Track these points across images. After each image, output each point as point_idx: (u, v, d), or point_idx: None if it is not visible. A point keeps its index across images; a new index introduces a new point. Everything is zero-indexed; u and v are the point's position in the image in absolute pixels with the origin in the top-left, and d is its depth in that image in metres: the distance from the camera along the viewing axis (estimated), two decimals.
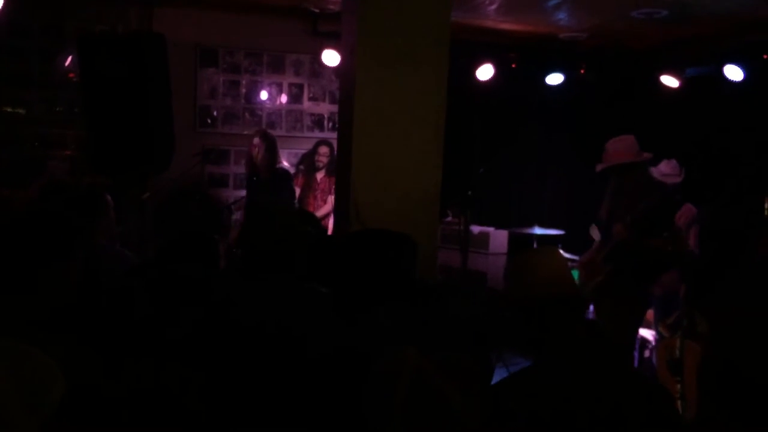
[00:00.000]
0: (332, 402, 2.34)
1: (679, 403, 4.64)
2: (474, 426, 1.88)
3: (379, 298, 2.70)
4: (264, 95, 8.19)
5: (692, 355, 4.78)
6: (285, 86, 8.27)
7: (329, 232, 6.60)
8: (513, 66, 8.43)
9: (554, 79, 8.58)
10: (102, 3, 7.28)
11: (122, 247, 4.42)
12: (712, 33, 7.65)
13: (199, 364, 2.44)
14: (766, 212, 5.53)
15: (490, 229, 8.11)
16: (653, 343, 6.21)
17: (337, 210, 4.90)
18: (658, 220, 5.29)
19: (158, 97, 5.00)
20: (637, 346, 6.21)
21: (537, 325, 2.44)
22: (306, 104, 8.36)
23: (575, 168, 8.37)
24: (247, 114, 8.14)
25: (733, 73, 7.22)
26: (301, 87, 8.32)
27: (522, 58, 8.48)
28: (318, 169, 7.59)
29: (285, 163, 7.34)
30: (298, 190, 7.58)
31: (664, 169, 6.39)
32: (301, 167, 7.88)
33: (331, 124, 8.31)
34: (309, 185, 7.61)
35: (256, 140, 7.12)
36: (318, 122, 8.42)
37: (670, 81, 7.87)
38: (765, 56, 7.03)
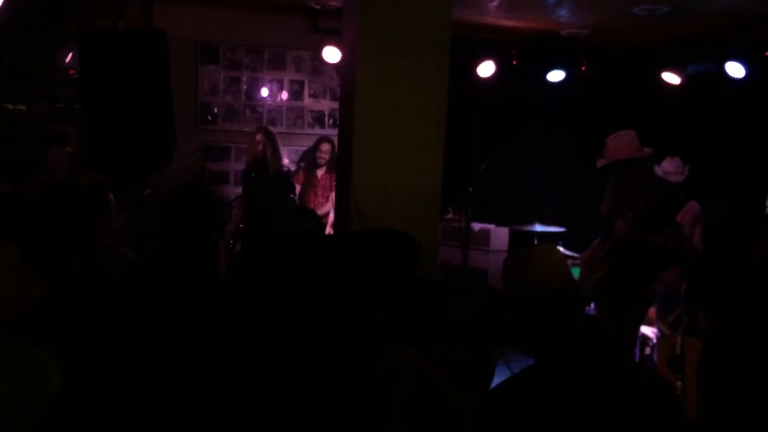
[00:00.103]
0: (332, 402, 2.34)
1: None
2: (475, 425, 1.88)
3: (380, 298, 2.69)
4: (265, 92, 8.19)
5: (693, 353, 4.79)
6: (286, 83, 8.26)
7: (330, 229, 6.61)
8: (514, 63, 8.42)
9: (555, 76, 8.56)
10: (102, 0, 7.28)
11: (123, 245, 4.42)
12: (714, 30, 7.64)
13: (200, 364, 2.44)
14: (767, 210, 5.53)
15: (491, 226, 8.11)
16: (654, 341, 6.21)
17: (337, 207, 4.90)
18: (659, 217, 5.29)
19: (158, 94, 4.99)
20: (638, 344, 6.22)
21: (536, 322, 2.44)
22: (307, 101, 8.36)
23: (576, 165, 8.37)
24: (247, 111, 8.14)
25: (735, 70, 7.21)
26: (301, 84, 8.31)
27: (523, 55, 8.46)
28: (319, 166, 7.59)
29: (285, 160, 7.34)
30: (298, 187, 7.58)
31: (667, 167, 6.39)
32: (302, 164, 7.89)
33: (331, 121, 8.31)
34: (310, 182, 7.61)
35: (259, 137, 7.13)
36: (319, 119, 8.41)
37: (671, 78, 7.86)
38: (766, 53, 7.02)
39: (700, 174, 6.56)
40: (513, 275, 2.57)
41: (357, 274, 2.81)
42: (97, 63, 4.93)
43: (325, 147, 7.56)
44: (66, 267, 2.27)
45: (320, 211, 7.17)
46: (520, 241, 8.09)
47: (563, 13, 7.51)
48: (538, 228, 7.90)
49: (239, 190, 7.68)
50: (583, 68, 8.56)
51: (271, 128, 7.41)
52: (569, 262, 6.96)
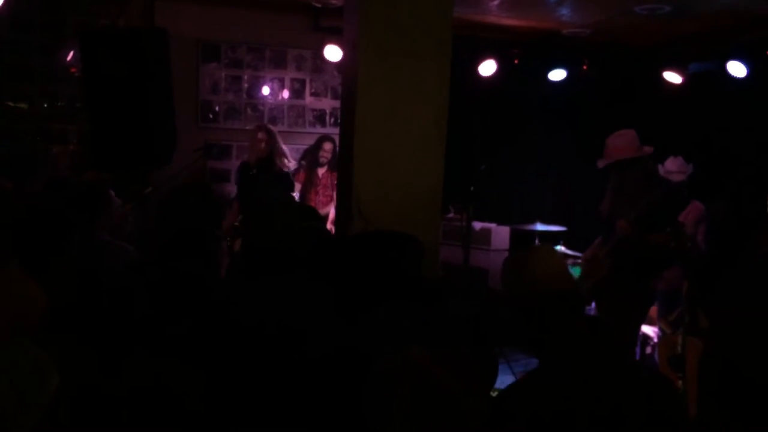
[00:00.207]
0: (332, 402, 2.34)
1: None
2: (477, 425, 1.87)
3: (381, 298, 2.69)
4: (266, 90, 8.19)
5: (694, 352, 4.78)
6: (287, 81, 8.26)
7: (330, 225, 6.61)
8: (515, 62, 8.42)
9: (557, 75, 8.57)
10: None
11: (126, 241, 4.43)
12: (715, 29, 7.64)
13: (200, 364, 2.44)
14: None
15: (492, 225, 8.10)
16: (655, 340, 6.21)
17: (338, 206, 4.89)
18: (660, 216, 5.29)
19: (159, 93, 4.99)
20: (638, 343, 6.22)
21: (536, 323, 2.44)
22: (308, 99, 8.36)
23: (577, 164, 8.36)
24: (249, 109, 8.14)
25: (736, 69, 7.21)
26: (303, 82, 8.31)
27: (524, 54, 8.46)
28: (321, 165, 7.59)
29: (292, 161, 7.37)
30: (299, 186, 7.58)
31: (670, 167, 6.39)
32: (303, 163, 7.88)
33: (332, 120, 8.31)
34: (311, 181, 7.60)
35: (261, 135, 7.13)
36: (320, 118, 8.41)
37: (672, 77, 7.86)
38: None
39: (703, 173, 6.55)
40: (512, 276, 2.57)
41: (358, 275, 2.82)
42: (98, 61, 4.93)
43: (328, 146, 7.55)
44: (64, 264, 2.27)
45: (322, 211, 7.17)
46: (521, 240, 8.09)
47: (565, 12, 7.50)
48: (539, 227, 7.90)
49: None
50: (585, 67, 8.56)
51: (272, 127, 7.41)
52: (570, 261, 7.01)
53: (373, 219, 4.33)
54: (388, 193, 4.47)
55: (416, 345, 1.86)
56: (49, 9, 7.34)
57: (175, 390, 2.12)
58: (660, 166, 6.37)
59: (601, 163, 5.53)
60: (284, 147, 7.22)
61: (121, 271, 3.28)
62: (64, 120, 7.43)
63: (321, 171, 7.60)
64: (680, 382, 4.88)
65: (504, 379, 5.47)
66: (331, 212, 7.07)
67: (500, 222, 8.19)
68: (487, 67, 8.20)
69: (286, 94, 8.27)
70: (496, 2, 7.21)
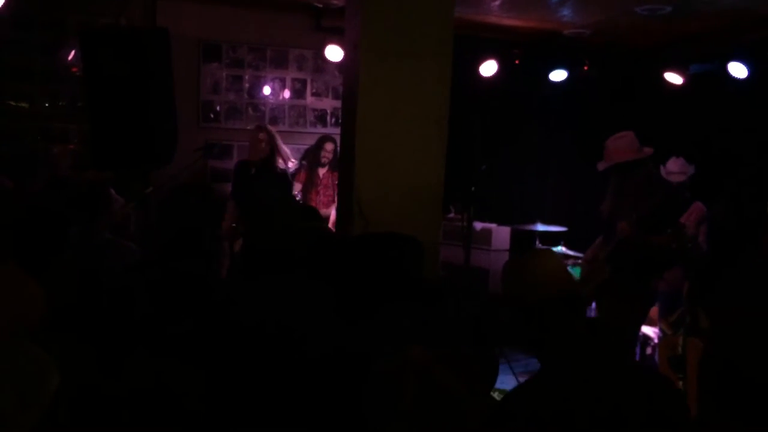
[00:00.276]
0: (332, 402, 2.34)
1: None
2: (478, 424, 1.87)
3: (381, 299, 2.69)
4: (267, 90, 8.19)
5: (694, 353, 4.78)
6: (288, 81, 8.26)
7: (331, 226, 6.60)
8: (516, 62, 8.41)
9: (557, 75, 8.56)
10: None
11: (130, 239, 4.43)
12: (716, 30, 7.63)
13: (200, 364, 2.44)
14: None
15: (493, 226, 8.10)
16: (655, 340, 6.21)
17: (340, 206, 4.89)
18: (662, 218, 5.29)
19: (160, 93, 4.99)
20: (639, 344, 6.22)
21: (537, 325, 2.44)
22: (309, 99, 8.36)
23: (578, 165, 8.35)
24: (250, 109, 8.14)
25: (737, 70, 7.21)
26: (304, 82, 8.31)
27: (525, 54, 8.46)
28: (322, 165, 7.59)
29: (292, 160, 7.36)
30: (299, 186, 7.58)
31: (671, 167, 6.39)
32: (304, 162, 7.88)
33: (333, 120, 8.31)
34: (312, 181, 7.60)
35: (261, 135, 7.13)
36: (321, 118, 8.41)
37: (673, 78, 7.85)
38: None
39: (704, 174, 6.55)
40: (513, 279, 2.57)
41: (358, 275, 2.82)
42: (99, 61, 4.93)
43: (329, 146, 7.55)
44: (63, 263, 2.27)
45: (323, 211, 7.18)
46: (521, 240, 8.09)
47: (566, 12, 7.50)
48: (540, 227, 7.90)
49: None
50: (585, 68, 8.55)
51: (273, 127, 7.42)
52: (571, 261, 7.00)
53: (374, 219, 4.33)
54: (388, 193, 4.47)
55: (417, 345, 1.86)
56: (50, 8, 7.34)
57: (175, 390, 2.12)
58: (661, 167, 6.38)
59: (601, 166, 5.54)
60: (284, 147, 7.22)
61: (122, 271, 3.28)
62: (65, 119, 7.43)
63: (322, 171, 7.60)
64: (681, 383, 4.88)
65: (504, 379, 5.49)
66: (332, 214, 7.06)
67: (501, 222, 8.19)
68: (488, 68, 8.20)
69: (287, 94, 8.27)
70: (497, 2, 7.21)
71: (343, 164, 4.88)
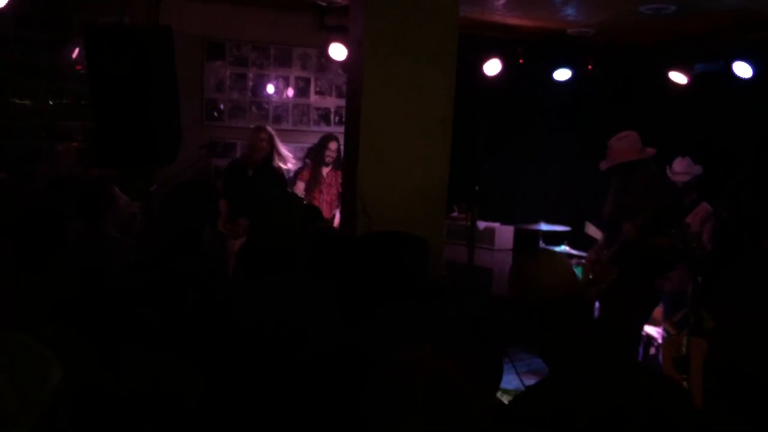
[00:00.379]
0: (333, 402, 2.33)
1: None
2: (486, 424, 1.86)
3: (383, 298, 2.68)
4: (271, 89, 8.19)
5: (699, 353, 4.77)
6: (292, 80, 8.26)
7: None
8: (520, 61, 8.41)
9: (562, 74, 8.56)
10: None
11: (134, 239, 4.43)
12: (721, 29, 7.61)
13: (200, 363, 2.43)
14: None
15: (496, 225, 8.09)
16: (659, 341, 6.20)
17: (343, 204, 4.89)
18: (667, 219, 5.28)
19: (163, 91, 4.98)
20: (642, 344, 6.21)
21: (541, 326, 2.44)
22: (313, 98, 8.36)
23: (582, 164, 8.35)
24: (253, 107, 8.14)
25: (742, 70, 7.19)
26: (307, 81, 8.31)
27: (529, 53, 8.46)
28: (326, 165, 7.59)
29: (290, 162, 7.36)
30: (303, 185, 7.58)
31: (677, 168, 6.37)
32: (307, 161, 7.89)
33: (337, 118, 8.31)
34: (315, 179, 7.61)
35: (263, 134, 7.13)
36: (324, 116, 8.41)
37: (678, 77, 7.84)
38: None
39: (709, 174, 6.54)
40: (518, 281, 2.56)
41: (360, 275, 2.81)
42: (103, 59, 4.92)
43: (333, 145, 7.57)
44: (61, 260, 2.27)
45: (327, 211, 7.18)
46: (525, 239, 8.08)
47: (570, 11, 7.49)
48: (544, 227, 7.89)
49: None
50: (590, 67, 8.55)
51: (276, 125, 7.43)
52: (574, 261, 6.99)
53: (378, 218, 4.33)
54: (392, 192, 4.47)
55: (427, 344, 1.85)
56: (54, 6, 7.34)
57: (175, 390, 2.11)
58: (667, 167, 6.37)
59: (603, 165, 5.52)
60: (283, 148, 7.22)
61: (124, 269, 3.28)
62: (69, 117, 7.43)
63: (326, 170, 7.61)
64: (685, 383, 4.87)
65: (508, 379, 5.48)
66: (337, 215, 7.07)
67: (504, 221, 8.18)
68: (492, 67, 8.20)
69: (290, 92, 8.27)
70: (501, 1, 7.20)
71: (347, 163, 4.87)
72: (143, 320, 2.61)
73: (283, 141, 7.65)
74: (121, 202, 4.70)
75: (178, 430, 2.04)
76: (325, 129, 8.21)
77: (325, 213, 7.10)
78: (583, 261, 6.22)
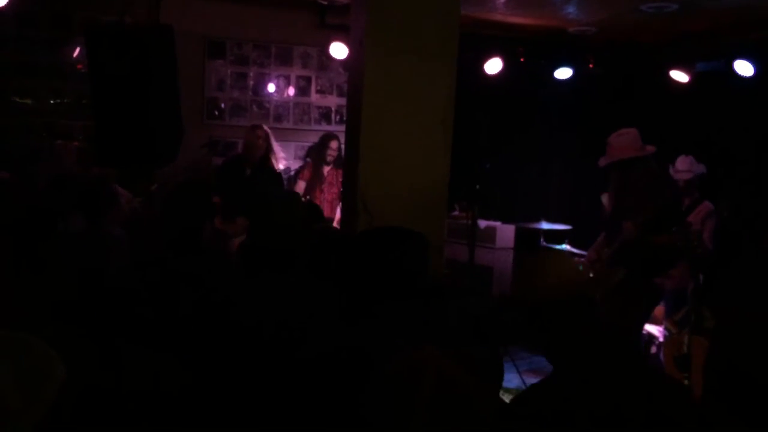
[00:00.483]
0: (333, 401, 2.33)
1: None
2: (491, 423, 1.86)
3: (383, 297, 2.68)
4: (271, 88, 8.18)
5: (700, 352, 4.77)
6: (292, 79, 8.26)
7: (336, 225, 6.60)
8: (521, 60, 8.41)
9: (563, 73, 8.55)
10: None
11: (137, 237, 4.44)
12: (723, 28, 7.61)
13: (200, 363, 2.43)
14: None
15: (497, 224, 8.09)
16: (660, 339, 6.20)
17: (344, 203, 4.89)
18: (667, 218, 5.27)
19: (164, 90, 4.99)
20: (642, 342, 6.20)
21: (543, 326, 2.43)
22: (313, 97, 8.36)
23: (583, 162, 8.34)
24: (254, 106, 8.14)
25: (744, 68, 7.19)
26: (308, 79, 8.31)
27: (530, 52, 8.45)
28: (327, 164, 7.59)
29: (283, 161, 7.35)
30: (304, 183, 7.58)
31: (680, 166, 6.37)
32: (308, 160, 7.89)
33: (338, 117, 8.30)
34: (316, 178, 7.61)
35: (260, 132, 7.13)
36: (325, 115, 8.41)
37: (679, 76, 7.84)
38: None
39: (710, 172, 6.54)
40: (523, 282, 2.57)
41: (359, 272, 2.80)
42: (104, 58, 4.92)
43: (334, 144, 7.57)
44: (64, 258, 2.27)
45: (328, 210, 7.18)
46: (526, 238, 8.08)
47: (571, 10, 7.49)
48: (545, 225, 7.88)
49: None
50: (591, 66, 8.54)
51: (277, 124, 7.42)
52: (575, 259, 6.99)
53: (379, 217, 4.33)
54: (393, 191, 4.47)
55: (429, 344, 1.84)
56: (56, 5, 7.34)
57: (174, 389, 2.11)
58: (670, 166, 6.36)
59: (602, 162, 5.51)
60: (278, 147, 7.22)
61: (124, 269, 3.28)
62: (69, 116, 7.43)
63: (327, 169, 7.61)
64: (686, 382, 4.87)
65: (509, 377, 5.48)
66: (338, 213, 7.06)
67: (505, 220, 8.18)
68: (493, 65, 8.20)
69: (291, 91, 8.27)
70: (502, 0, 7.20)
71: (347, 162, 4.87)
72: (143, 320, 2.62)
73: (284, 140, 7.66)
74: (123, 200, 4.70)
75: (177, 429, 2.04)
76: (326, 128, 8.21)
77: (327, 212, 7.09)
78: (583, 260, 6.22)
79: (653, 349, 6.33)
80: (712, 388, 3.05)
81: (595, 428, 2.20)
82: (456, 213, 7.71)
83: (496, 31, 8.32)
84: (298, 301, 2.77)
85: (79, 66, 7.16)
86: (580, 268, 6.13)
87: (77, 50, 7.16)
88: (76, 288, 2.32)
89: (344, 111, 7.26)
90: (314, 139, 8.00)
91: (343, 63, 7.87)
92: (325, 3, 7.77)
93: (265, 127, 7.24)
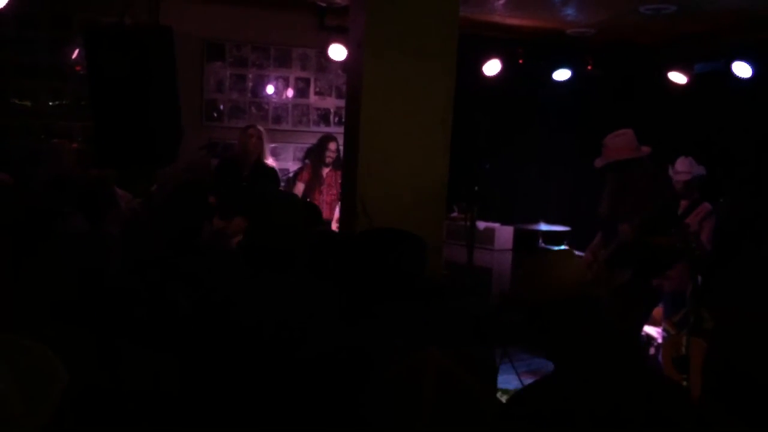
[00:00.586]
0: (332, 402, 2.33)
1: None
2: (492, 424, 1.86)
3: (382, 298, 2.68)
4: (270, 89, 8.18)
5: (699, 353, 4.77)
6: (291, 80, 8.26)
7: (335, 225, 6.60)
8: (520, 61, 8.41)
9: (561, 74, 8.56)
10: None
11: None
12: (721, 29, 7.62)
13: (199, 363, 2.44)
14: None
15: (496, 225, 8.09)
16: (659, 340, 6.20)
17: (343, 205, 4.90)
18: (665, 219, 5.27)
19: (163, 92, 4.99)
20: (642, 344, 6.21)
21: (545, 326, 2.44)
22: (312, 98, 8.36)
23: (581, 164, 8.34)
24: (253, 108, 8.14)
25: (742, 70, 7.20)
26: (307, 81, 8.31)
27: (529, 53, 8.46)
28: (326, 165, 7.60)
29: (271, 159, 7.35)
30: (303, 185, 7.58)
31: (679, 167, 6.37)
32: (307, 162, 7.89)
33: (337, 119, 8.31)
34: (315, 180, 7.61)
35: (252, 130, 7.15)
36: (324, 117, 8.41)
37: (677, 77, 7.84)
38: None
39: (709, 173, 6.55)
40: (527, 282, 2.56)
41: (358, 275, 2.80)
42: (103, 59, 4.93)
43: (333, 145, 7.58)
44: (64, 258, 2.27)
45: (327, 211, 7.18)
46: (525, 240, 8.08)
47: (569, 11, 7.49)
48: (543, 227, 7.89)
49: None
50: (589, 67, 8.55)
51: (276, 126, 7.43)
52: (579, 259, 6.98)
53: (378, 218, 4.33)
54: (392, 192, 4.48)
55: (433, 345, 1.84)
56: (55, 6, 7.34)
57: (174, 389, 2.11)
58: (670, 167, 6.36)
59: (598, 163, 5.51)
60: (268, 148, 7.24)
61: (123, 269, 3.28)
62: (69, 117, 7.43)
63: (326, 170, 7.61)
64: (685, 383, 4.87)
65: (507, 379, 5.49)
66: (336, 212, 7.07)
67: (504, 222, 8.18)
68: (492, 67, 8.21)
69: (290, 93, 8.27)
70: (501, 2, 7.20)
71: (346, 164, 4.88)
72: (143, 320, 2.62)
73: (283, 141, 7.66)
74: (122, 203, 4.71)
75: (178, 430, 2.05)
76: (325, 129, 8.21)
77: (326, 213, 7.10)
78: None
79: (652, 351, 6.34)
80: (711, 389, 3.04)
81: (595, 428, 2.20)
82: (455, 214, 7.71)
83: (495, 32, 8.33)
84: (298, 301, 2.77)
85: (78, 67, 7.17)
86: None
87: (76, 51, 7.16)
88: (76, 288, 2.32)
89: (343, 113, 7.27)
90: (313, 140, 8.01)
91: (342, 65, 7.88)
92: (324, 5, 7.78)
93: (259, 127, 7.24)
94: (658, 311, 6.19)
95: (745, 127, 7.34)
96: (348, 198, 4.69)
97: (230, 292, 2.88)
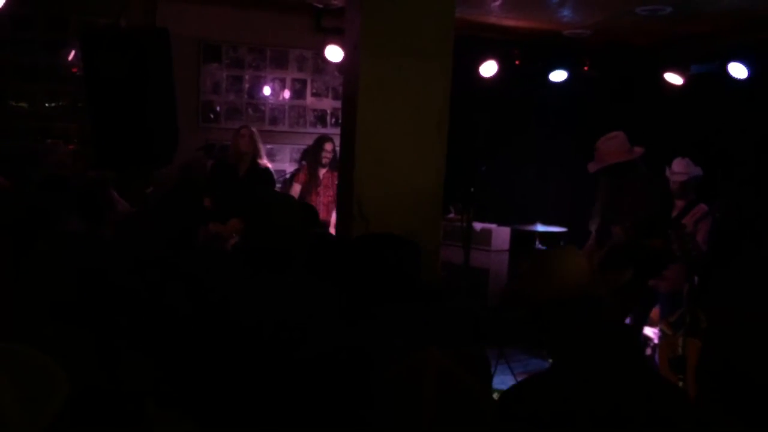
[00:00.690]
0: (332, 402, 2.33)
1: None
2: (492, 423, 1.87)
3: (380, 300, 2.69)
4: (267, 91, 8.18)
5: (695, 353, 4.78)
6: (288, 82, 8.26)
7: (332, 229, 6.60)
8: (516, 62, 8.42)
9: (558, 76, 8.56)
10: None
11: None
12: (717, 30, 7.64)
13: (198, 363, 2.44)
14: None
15: (493, 226, 8.10)
16: (655, 341, 6.21)
17: (339, 206, 4.90)
18: (660, 221, 5.28)
19: (159, 93, 4.99)
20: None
21: (544, 325, 2.44)
22: (309, 100, 8.36)
23: (578, 165, 8.34)
24: (250, 109, 8.14)
25: (738, 71, 7.21)
26: (304, 82, 8.32)
27: (525, 54, 8.46)
28: (323, 166, 7.59)
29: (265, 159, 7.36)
30: (299, 186, 7.58)
31: (676, 168, 6.38)
32: (303, 163, 7.88)
33: (333, 120, 8.31)
34: (312, 181, 7.61)
35: (244, 131, 7.17)
36: (321, 118, 8.41)
37: (673, 78, 7.86)
38: None
39: (706, 174, 6.56)
40: (529, 278, 2.57)
41: (357, 277, 2.81)
42: (100, 61, 4.93)
43: (329, 146, 7.57)
44: (64, 259, 2.27)
45: (324, 213, 7.18)
46: (521, 240, 8.09)
47: (566, 12, 7.50)
48: (540, 228, 7.89)
49: None
50: (586, 68, 8.56)
51: (272, 127, 7.43)
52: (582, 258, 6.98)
53: (374, 219, 4.34)
54: (389, 194, 4.48)
55: (433, 346, 1.85)
56: (52, 8, 7.34)
57: (173, 389, 2.12)
58: (666, 168, 6.38)
59: (592, 168, 5.53)
60: (262, 148, 7.25)
61: (123, 269, 3.28)
62: (65, 119, 7.43)
63: (322, 171, 7.61)
64: (681, 384, 4.88)
65: (504, 380, 5.49)
66: (333, 217, 7.06)
67: (501, 223, 8.19)
68: (488, 68, 8.21)
69: (287, 94, 8.27)
70: (497, 3, 7.21)
71: (342, 165, 4.88)
72: (142, 320, 2.62)
73: (280, 143, 7.65)
74: (120, 207, 4.72)
75: (178, 430, 2.05)
76: (322, 131, 8.20)
77: (323, 215, 7.10)
78: None
79: (648, 351, 6.34)
80: (707, 389, 3.05)
81: (595, 428, 2.20)
82: (451, 215, 7.71)
83: (492, 33, 8.34)
84: (297, 301, 2.77)
85: (75, 69, 7.17)
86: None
87: (73, 53, 7.16)
88: (75, 288, 2.32)
89: (339, 114, 7.27)
90: (309, 142, 8.00)
91: (338, 66, 7.87)
92: (321, 6, 7.78)
93: (252, 128, 7.24)
94: (654, 312, 6.20)
95: (742, 127, 7.35)
96: (345, 199, 4.69)
97: (230, 292, 2.88)
